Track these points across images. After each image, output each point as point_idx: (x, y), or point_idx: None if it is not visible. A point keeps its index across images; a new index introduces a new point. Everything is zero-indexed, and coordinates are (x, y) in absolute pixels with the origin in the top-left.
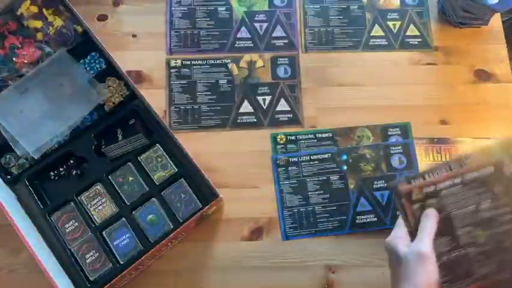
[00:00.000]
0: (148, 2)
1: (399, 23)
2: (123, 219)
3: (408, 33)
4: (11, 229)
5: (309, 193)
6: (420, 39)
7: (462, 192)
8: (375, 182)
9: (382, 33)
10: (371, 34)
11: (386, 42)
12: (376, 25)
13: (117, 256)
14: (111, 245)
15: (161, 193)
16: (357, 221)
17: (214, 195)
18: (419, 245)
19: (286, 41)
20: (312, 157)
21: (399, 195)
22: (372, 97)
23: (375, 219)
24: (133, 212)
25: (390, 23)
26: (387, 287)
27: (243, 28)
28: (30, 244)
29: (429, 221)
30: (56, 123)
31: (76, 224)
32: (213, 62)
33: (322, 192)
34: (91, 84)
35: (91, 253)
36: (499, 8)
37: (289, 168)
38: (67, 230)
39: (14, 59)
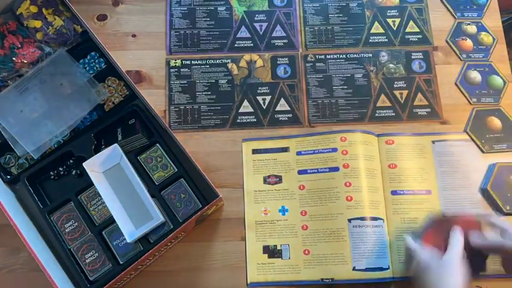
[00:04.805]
0: (148, 2)
1: (398, 19)
2: None
3: (408, 29)
4: (10, 229)
5: None
6: (420, 36)
7: None
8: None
9: (382, 31)
10: (371, 31)
11: (386, 39)
12: (376, 22)
13: (117, 256)
14: (111, 245)
15: (161, 193)
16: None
17: (214, 195)
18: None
19: (286, 40)
20: None
21: None
22: None
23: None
24: None
25: (389, 20)
26: None
27: (243, 28)
28: (30, 244)
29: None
30: (56, 123)
31: (76, 224)
32: (212, 62)
33: None
34: (91, 84)
35: (91, 253)
36: None
37: None
38: (67, 230)
39: (13, 58)
